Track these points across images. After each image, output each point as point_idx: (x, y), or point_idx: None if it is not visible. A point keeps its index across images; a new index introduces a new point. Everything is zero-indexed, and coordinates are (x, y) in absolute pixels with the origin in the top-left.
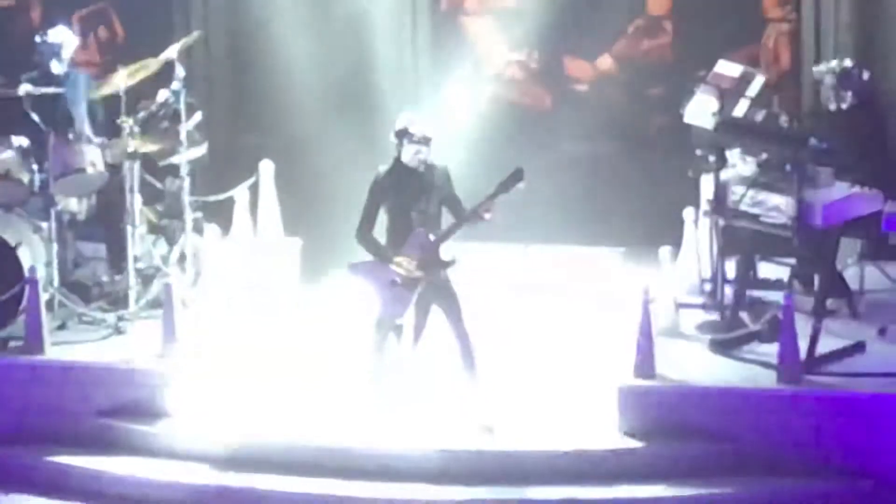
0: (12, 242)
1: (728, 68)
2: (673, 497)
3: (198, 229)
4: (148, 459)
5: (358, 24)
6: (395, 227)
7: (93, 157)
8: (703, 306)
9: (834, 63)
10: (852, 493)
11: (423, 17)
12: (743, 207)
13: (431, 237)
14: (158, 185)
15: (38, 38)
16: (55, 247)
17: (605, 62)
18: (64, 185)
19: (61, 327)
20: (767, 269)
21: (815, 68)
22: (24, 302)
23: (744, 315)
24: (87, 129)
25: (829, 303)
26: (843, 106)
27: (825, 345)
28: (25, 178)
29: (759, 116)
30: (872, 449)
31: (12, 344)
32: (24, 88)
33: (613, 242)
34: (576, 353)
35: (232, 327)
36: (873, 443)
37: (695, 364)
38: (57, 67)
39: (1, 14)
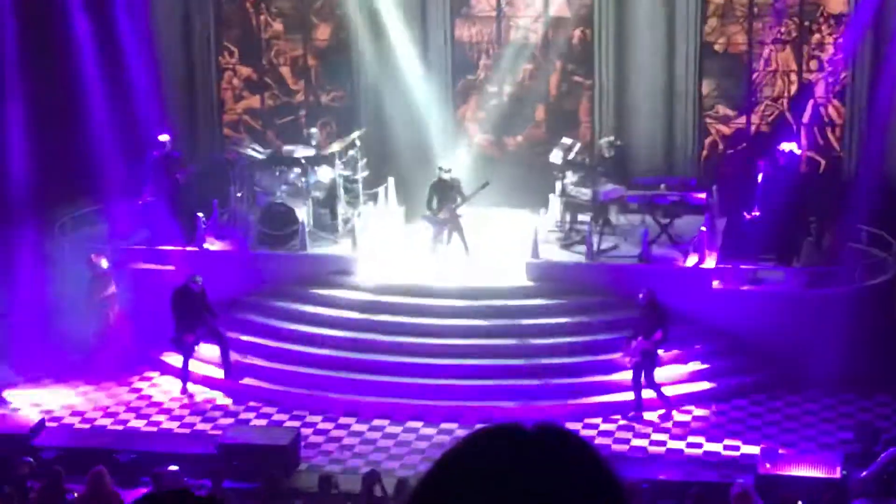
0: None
1: (562, 147)
2: (554, 304)
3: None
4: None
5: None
6: (440, 203)
7: None
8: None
9: (605, 140)
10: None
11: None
12: (573, 192)
13: (453, 207)
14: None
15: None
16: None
17: (514, 142)
18: None
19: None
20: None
21: (598, 141)
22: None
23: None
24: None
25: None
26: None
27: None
28: None
29: (578, 158)
30: None
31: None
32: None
33: (522, 206)
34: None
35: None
36: None
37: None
38: None
39: None
